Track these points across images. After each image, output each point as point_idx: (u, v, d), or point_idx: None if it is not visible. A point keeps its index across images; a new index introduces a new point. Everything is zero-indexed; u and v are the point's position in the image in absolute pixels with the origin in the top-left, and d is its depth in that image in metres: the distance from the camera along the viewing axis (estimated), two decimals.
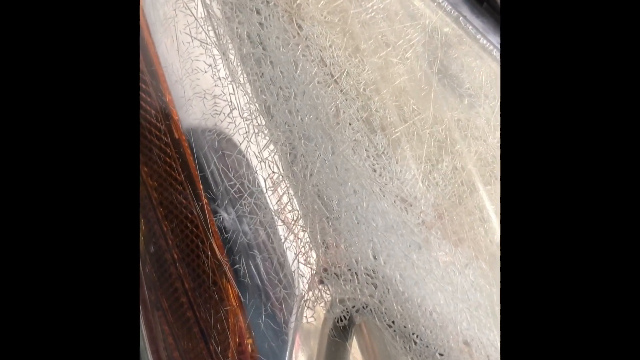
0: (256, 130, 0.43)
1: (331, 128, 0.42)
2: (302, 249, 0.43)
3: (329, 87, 0.42)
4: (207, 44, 0.45)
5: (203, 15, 0.45)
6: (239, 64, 0.44)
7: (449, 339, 0.39)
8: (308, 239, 0.43)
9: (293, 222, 0.43)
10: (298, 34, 0.43)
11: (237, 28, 0.44)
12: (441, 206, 0.40)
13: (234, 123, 0.44)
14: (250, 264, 0.44)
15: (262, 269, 0.44)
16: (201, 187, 0.45)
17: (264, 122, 0.43)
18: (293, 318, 0.43)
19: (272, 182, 0.43)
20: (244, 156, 0.44)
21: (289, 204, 0.43)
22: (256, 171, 0.43)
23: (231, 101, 0.44)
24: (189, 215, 0.46)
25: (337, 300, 0.43)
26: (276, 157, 0.43)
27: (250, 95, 0.44)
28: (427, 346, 0.40)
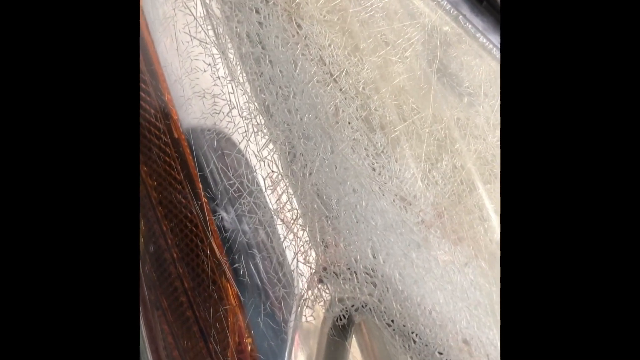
0: (255, 130, 0.43)
1: (330, 127, 0.42)
2: (302, 248, 0.43)
3: (328, 86, 0.42)
4: (206, 43, 0.45)
5: (202, 15, 0.45)
6: (238, 63, 0.44)
7: (448, 337, 0.39)
8: (307, 238, 0.43)
9: (292, 221, 0.43)
10: (297, 33, 0.43)
11: (236, 27, 0.44)
12: (440, 205, 0.40)
13: (233, 122, 0.44)
14: (250, 263, 0.44)
15: (261, 268, 0.44)
16: (200, 186, 0.45)
17: (263, 121, 0.43)
18: (292, 317, 0.43)
19: (271, 181, 0.43)
20: (243, 155, 0.44)
21: (288, 203, 0.43)
22: (255, 170, 0.43)
23: (230, 100, 0.44)
24: (189, 214, 0.46)
25: (337, 299, 0.43)
26: (275, 156, 0.43)
27: (250, 94, 0.44)
28: (426, 345, 0.40)
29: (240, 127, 0.44)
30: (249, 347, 0.44)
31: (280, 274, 0.43)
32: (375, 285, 0.41)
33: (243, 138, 0.44)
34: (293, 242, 0.43)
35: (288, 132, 0.43)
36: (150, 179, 0.49)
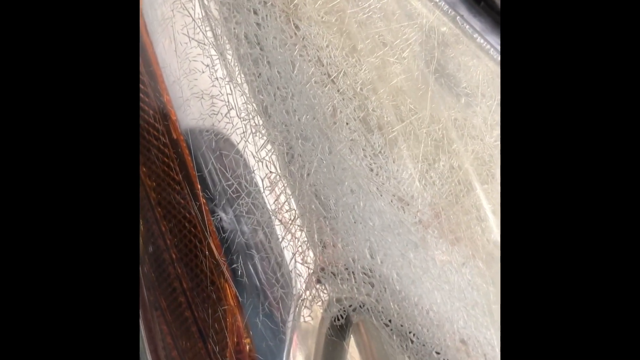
0: (253, 130, 0.44)
1: (328, 128, 0.42)
2: (300, 249, 0.43)
3: (326, 86, 0.42)
4: (204, 44, 0.45)
5: (201, 16, 0.45)
6: (236, 64, 0.44)
7: (445, 337, 0.39)
8: (305, 239, 0.43)
9: (290, 222, 0.43)
10: (295, 34, 0.43)
11: (234, 28, 0.44)
12: (438, 205, 0.40)
13: (232, 123, 0.44)
14: (248, 263, 0.44)
15: (259, 268, 0.44)
16: (199, 187, 0.45)
17: (261, 122, 0.44)
18: (291, 317, 0.43)
19: (269, 181, 0.43)
20: (241, 156, 0.44)
21: (287, 203, 0.43)
22: (253, 171, 0.44)
23: (229, 101, 0.44)
24: (187, 215, 0.46)
25: (335, 300, 0.43)
26: (273, 157, 0.43)
27: (248, 95, 0.44)
28: (423, 345, 0.40)
29: (238, 128, 0.44)
30: (248, 347, 0.44)
31: (278, 275, 0.43)
32: (372, 286, 0.41)
33: (241, 139, 0.44)
34: (291, 243, 0.43)
35: (286, 132, 0.43)
36: (149, 179, 0.49)
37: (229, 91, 0.44)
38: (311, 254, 0.43)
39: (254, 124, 0.43)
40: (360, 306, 0.42)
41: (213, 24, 0.45)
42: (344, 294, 0.42)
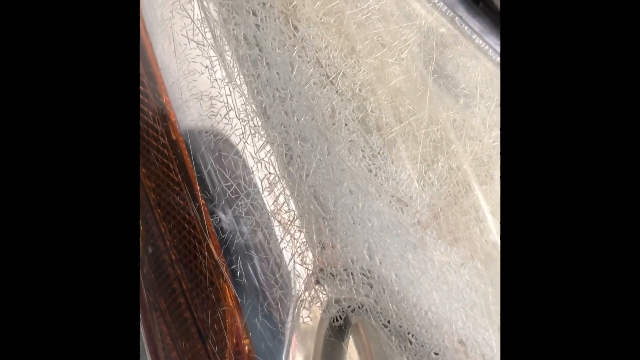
0: (252, 132, 0.44)
1: (327, 129, 0.42)
2: (299, 250, 0.43)
3: (324, 88, 0.42)
4: (203, 45, 0.45)
5: (200, 17, 0.45)
6: (235, 65, 0.44)
7: (444, 338, 0.39)
8: (304, 240, 0.43)
9: (289, 223, 0.43)
10: (294, 35, 0.43)
11: (233, 30, 0.44)
12: (437, 206, 0.40)
13: (231, 124, 0.44)
14: (247, 264, 0.44)
15: (258, 269, 0.44)
16: (198, 188, 0.45)
17: (260, 123, 0.44)
18: (290, 318, 0.43)
19: (268, 182, 0.43)
20: (240, 157, 0.44)
21: (286, 204, 0.43)
22: (253, 172, 0.44)
23: (228, 102, 0.44)
24: (187, 216, 0.46)
25: (333, 300, 0.43)
26: (272, 158, 0.43)
27: (247, 96, 0.44)
28: (422, 345, 0.40)
29: (237, 129, 0.44)
30: (247, 348, 0.44)
31: (277, 275, 0.43)
32: (371, 286, 0.41)
33: (240, 140, 0.44)
34: (290, 244, 0.43)
35: (285, 133, 0.43)
36: (148, 180, 0.49)
37: (228, 92, 0.44)
38: (310, 255, 0.43)
39: (253, 125, 0.44)
40: (359, 307, 0.42)
41: (212, 25, 0.45)
42: (342, 295, 0.43)
